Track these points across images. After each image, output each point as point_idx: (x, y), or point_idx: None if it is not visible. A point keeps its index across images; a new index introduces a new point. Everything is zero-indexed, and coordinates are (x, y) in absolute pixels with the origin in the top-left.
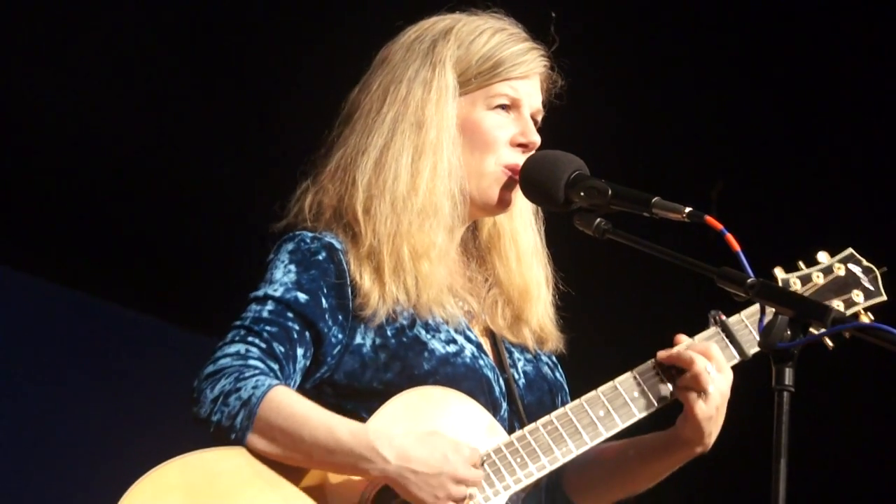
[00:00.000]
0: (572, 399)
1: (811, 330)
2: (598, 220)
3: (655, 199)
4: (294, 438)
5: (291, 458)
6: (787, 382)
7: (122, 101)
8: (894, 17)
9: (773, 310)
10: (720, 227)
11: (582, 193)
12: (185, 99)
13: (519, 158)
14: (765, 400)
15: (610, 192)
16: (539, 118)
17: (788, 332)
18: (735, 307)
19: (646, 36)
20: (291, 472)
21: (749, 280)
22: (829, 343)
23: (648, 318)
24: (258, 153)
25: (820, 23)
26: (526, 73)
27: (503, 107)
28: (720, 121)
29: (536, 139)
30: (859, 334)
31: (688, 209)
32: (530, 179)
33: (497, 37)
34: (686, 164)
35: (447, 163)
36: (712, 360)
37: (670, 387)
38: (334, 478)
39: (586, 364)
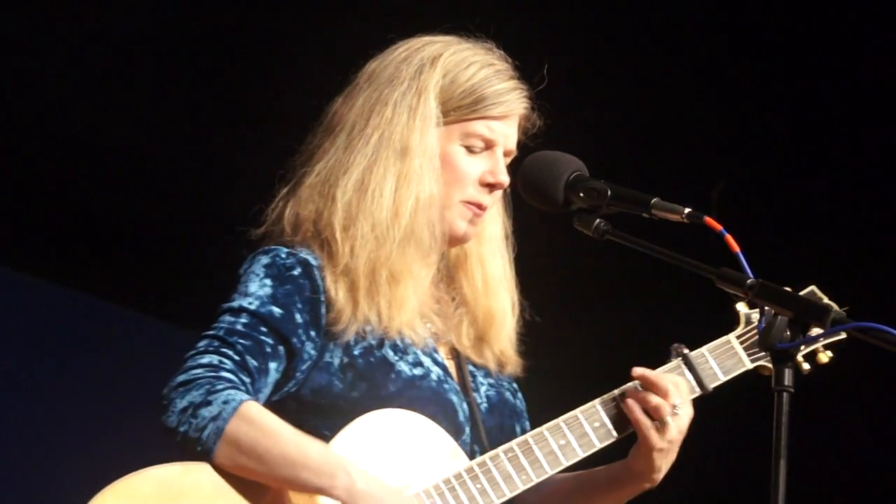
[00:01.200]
0: (532, 425)
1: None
2: (598, 221)
3: (655, 199)
4: (262, 453)
5: (257, 474)
6: (786, 383)
7: (120, 100)
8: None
9: (774, 310)
10: (720, 227)
11: (581, 194)
12: (183, 97)
13: (483, 198)
14: (765, 400)
15: (609, 192)
16: (509, 159)
17: (788, 333)
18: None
19: (646, 35)
20: (254, 492)
21: (749, 281)
22: (806, 367)
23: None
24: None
25: (821, 23)
26: (505, 114)
27: (477, 148)
28: (721, 121)
29: (505, 180)
30: (859, 335)
31: (687, 210)
32: (529, 180)
33: (483, 72)
34: (686, 165)
35: (429, 194)
36: (673, 393)
37: (630, 417)
38: (297, 498)
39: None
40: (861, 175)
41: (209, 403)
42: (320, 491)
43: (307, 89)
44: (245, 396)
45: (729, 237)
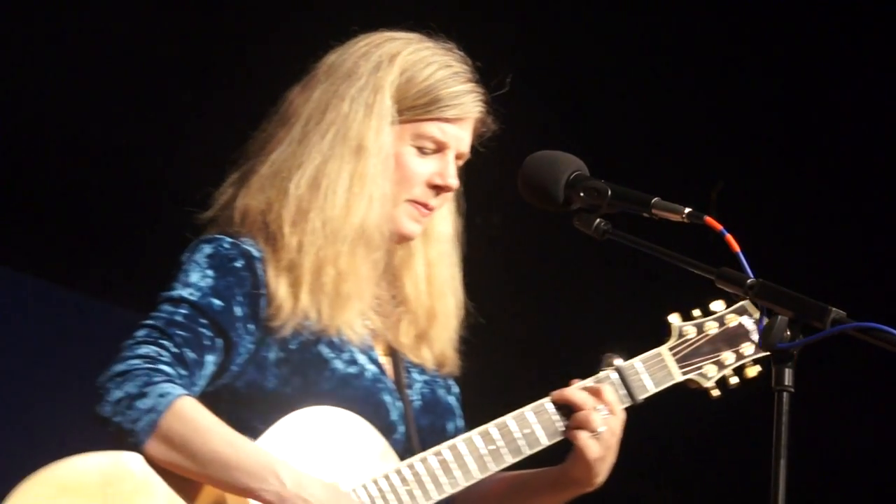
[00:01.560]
0: (465, 423)
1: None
2: (598, 220)
3: (655, 199)
4: (194, 450)
5: (188, 471)
6: (786, 383)
7: (122, 100)
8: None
9: (774, 310)
10: (720, 227)
11: (581, 194)
12: (184, 97)
13: (430, 199)
14: (764, 400)
15: (609, 192)
16: (462, 162)
17: (788, 333)
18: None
19: (645, 35)
20: (185, 487)
21: (749, 281)
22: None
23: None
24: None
25: (820, 23)
26: (459, 116)
27: (428, 146)
28: (721, 121)
29: (454, 184)
30: (859, 335)
31: (687, 210)
32: (529, 179)
33: (440, 73)
34: (686, 165)
35: (381, 193)
36: (604, 402)
37: (562, 426)
38: (230, 499)
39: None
40: (861, 175)
41: (144, 395)
42: (250, 492)
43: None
44: (181, 391)
45: (729, 237)
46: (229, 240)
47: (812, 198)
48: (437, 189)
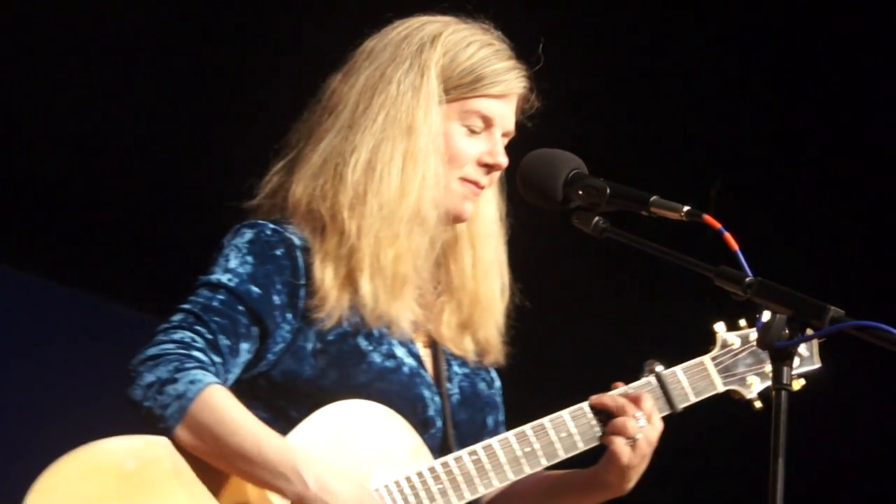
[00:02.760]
0: (505, 418)
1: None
2: (597, 218)
3: (654, 197)
4: (220, 442)
5: (213, 460)
6: (785, 381)
7: (124, 99)
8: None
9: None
10: (718, 225)
11: (580, 192)
12: (183, 98)
13: (481, 177)
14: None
15: (608, 190)
16: (507, 140)
17: (787, 332)
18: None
19: (644, 32)
20: (212, 475)
21: (747, 279)
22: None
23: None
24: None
25: (819, 20)
26: (504, 93)
27: (476, 127)
28: (719, 119)
29: (503, 161)
30: (858, 334)
31: (686, 208)
32: (528, 178)
33: (482, 51)
34: (685, 163)
35: (434, 172)
36: (643, 409)
37: (599, 431)
38: (252, 490)
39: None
40: (860, 173)
41: (175, 381)
42: (272, 489)
43: (303, 69)
44: (212, 379)
45: (727, 235)
46: (272, 226)
47: (811, 196)
48: (488, 168)
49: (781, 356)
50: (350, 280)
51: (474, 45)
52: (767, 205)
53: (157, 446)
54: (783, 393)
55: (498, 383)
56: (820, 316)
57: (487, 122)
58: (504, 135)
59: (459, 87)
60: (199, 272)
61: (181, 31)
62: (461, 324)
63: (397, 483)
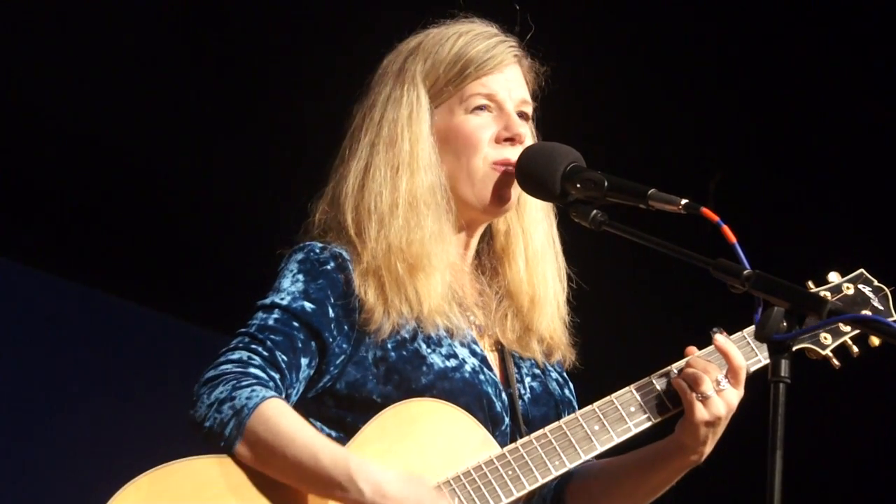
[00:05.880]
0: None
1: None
2: (595, 211)
3: (652, 190)
4: (276, 455)
5: (272, 472)
6: (783, 374)
7: (134, 101)
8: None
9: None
10: (716, 218)
11: (578, 185)
12: (198, 99)
13: (508, 153)
14: (761, 392)
15: (606, 183)
16: (529, 109)
17: (784, 324)
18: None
19: (644, 26)
20: (274, 488)
21: (745, 272)
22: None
23: (661, 325)
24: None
25: (817, 15)
26: (495, 67)
27: (482, 107)
28: (718, 112)
29: (522, 132)
30: (858, 327)
31: (684, 201)
32: (526, 171)
33: (461, 40)
34: (684, 156)
35: (423, 171)
36: (731, 364)
37: (668, 402)
38: (313, 500)
39: (601, 369)
40: (859, 166)
41: (233, 399)
42: (330, 499)
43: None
44: (270, 393)
45: (726, 228)
46: (320, 245)
47: (809, 189)
48: (508, 142)
49: (779, 349)
50: (383, 291)
51: (452, 38)
52: (766, 198)
53: (218, 465)
54: (781, 385)
55: (571, 386)
56: (818, 308)
57: (492, 99)
58: (522, 105)
59: (450, 80)
60: (208, 267)
61: (206, 31)
62: (524, 327)
63: (466, 473)
